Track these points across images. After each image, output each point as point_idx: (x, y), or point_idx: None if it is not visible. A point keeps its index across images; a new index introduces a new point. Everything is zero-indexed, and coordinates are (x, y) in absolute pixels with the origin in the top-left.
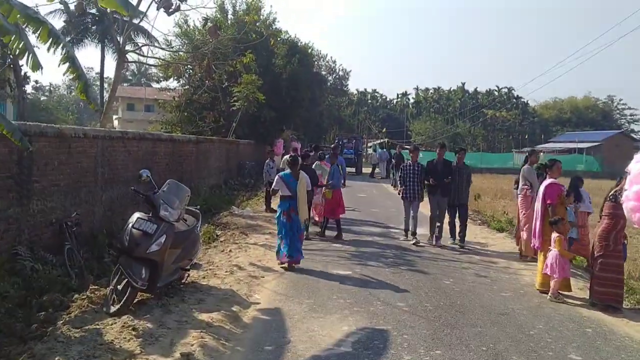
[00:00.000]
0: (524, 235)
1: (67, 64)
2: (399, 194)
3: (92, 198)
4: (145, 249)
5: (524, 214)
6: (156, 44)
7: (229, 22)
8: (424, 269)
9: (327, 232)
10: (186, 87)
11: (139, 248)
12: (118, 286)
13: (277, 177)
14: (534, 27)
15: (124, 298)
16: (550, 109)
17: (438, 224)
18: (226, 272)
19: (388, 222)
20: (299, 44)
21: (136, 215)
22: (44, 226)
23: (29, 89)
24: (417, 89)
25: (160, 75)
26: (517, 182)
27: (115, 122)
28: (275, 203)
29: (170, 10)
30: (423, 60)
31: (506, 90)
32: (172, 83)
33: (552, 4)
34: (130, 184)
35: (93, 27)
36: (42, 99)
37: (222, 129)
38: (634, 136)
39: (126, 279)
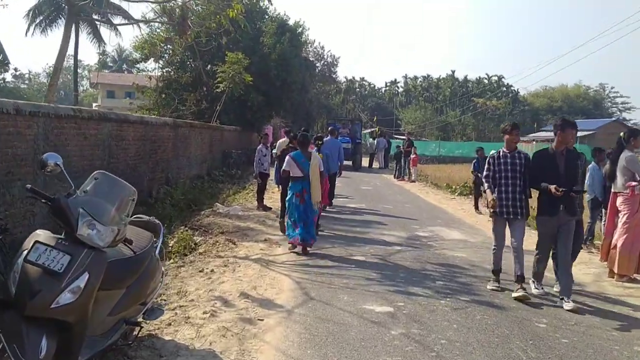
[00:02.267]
0: (619, 247)
1: None
2: (488, 206)
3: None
4: (48, 303)
5: (627, 220)
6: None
7: None
8: (494, 300)
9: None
10: (166, 68)
11: (37, 300)
12: None
13: (287, 157)
14: (526, 14)
15: None
16: (540, 97)
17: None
18: (205, 313)
19: (409, 222)
20: (289, 22)
21: (35, 236)
22: None
23: (8, 76)
24: (405, 77)
25: (138, 55)
26: (609, 176)
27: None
28: (268, 199)
29: None
30: (412, 48)
31: (496, 78)
32: (151, 64)
33: None
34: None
35: (65, 6)
36: (22, 86)
37: (204, 114)
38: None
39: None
